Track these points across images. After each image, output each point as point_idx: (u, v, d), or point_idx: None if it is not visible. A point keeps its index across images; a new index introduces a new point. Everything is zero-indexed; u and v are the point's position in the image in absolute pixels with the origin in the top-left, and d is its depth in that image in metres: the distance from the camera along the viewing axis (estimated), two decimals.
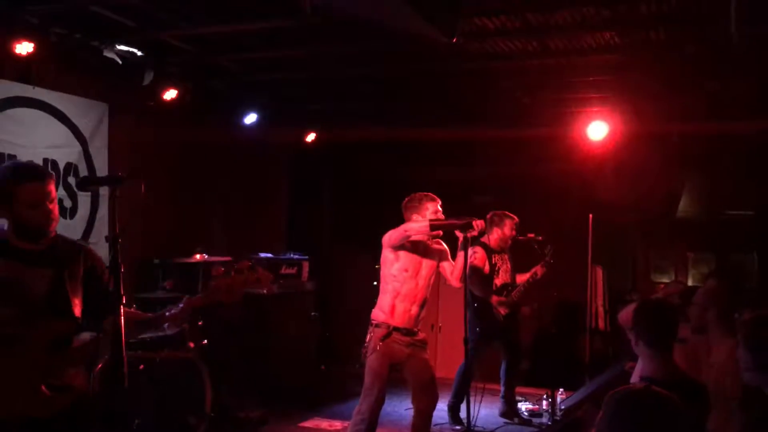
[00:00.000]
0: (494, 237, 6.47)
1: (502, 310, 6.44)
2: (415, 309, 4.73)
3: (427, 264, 4.78)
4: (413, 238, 4.65)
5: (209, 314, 5.97)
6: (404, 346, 4.69)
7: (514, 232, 6.49)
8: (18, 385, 2.62)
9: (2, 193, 2.72)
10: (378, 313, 4.74)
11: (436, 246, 4.87)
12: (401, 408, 6.71)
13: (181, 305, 2.95)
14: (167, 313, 2.98)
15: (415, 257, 4.74)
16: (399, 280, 4.72)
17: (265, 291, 6.99)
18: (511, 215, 6.51)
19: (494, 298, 6.44)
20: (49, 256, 2.78)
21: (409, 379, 4.78)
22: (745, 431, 3.04)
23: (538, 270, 6.52)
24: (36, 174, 2.77)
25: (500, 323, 6.44)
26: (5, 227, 2.81)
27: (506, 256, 6.61)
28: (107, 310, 2.73)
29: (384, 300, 4.75)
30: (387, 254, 4.77)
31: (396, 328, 4.67)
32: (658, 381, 2.75)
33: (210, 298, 2.91)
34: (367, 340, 4.72)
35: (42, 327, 2.68)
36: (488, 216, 6.43)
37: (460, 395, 6.22)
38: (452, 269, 4.79)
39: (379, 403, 4.66)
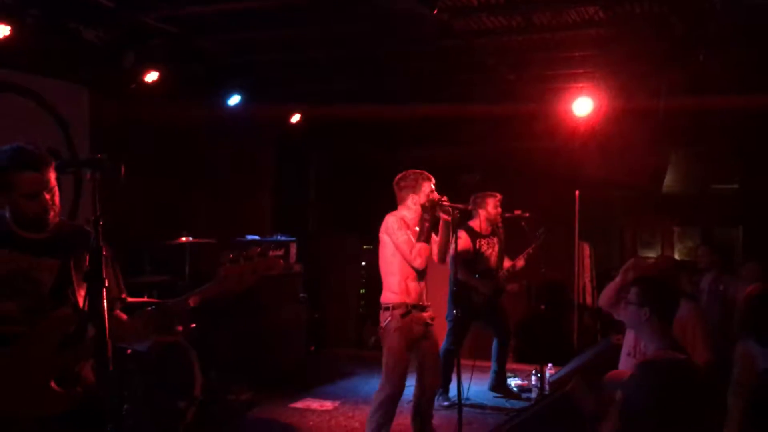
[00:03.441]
0: (482, 219, 6.46)
1: (510, 288, 6.49)
2: (422, 283, 4.77)
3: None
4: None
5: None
6: (421, 324, 4.71)
7: (499, 209, 6.49)
8: (27, 383, 2.58)
9: (0, 182, 2.65)
10: (390, 296, 4.71)
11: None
12: None
13: (189, 295, 2.83)
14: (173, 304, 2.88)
15: (415, 234, 4.73)
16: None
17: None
18: (492, 193, 6.50)
19: (476, 281, 6.42)
20: (55, 245, 2.73)
21: (419, 357, 4.78)
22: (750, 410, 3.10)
23: (518, 263, 6.56)
24: (33, 162, 2.67)
25: (480, 307, 6.42)
26: (7, 215, 2.74)
27: (495, 240, 6.56)
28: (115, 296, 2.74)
29: (392, 281, 4.71)
30: (386, 239, 4.74)
31: (414, 306, 4.68)
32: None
33: (221, 287, 2.81)
34: (384, 322, 4.68)
35: (50, 321, 2.65)
36: (471, 199, 6.42)
37: (446, 375, 6.25)
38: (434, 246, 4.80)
39: (403, 382, 4.67)
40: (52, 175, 2.70)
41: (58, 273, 2.69)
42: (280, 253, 7.28)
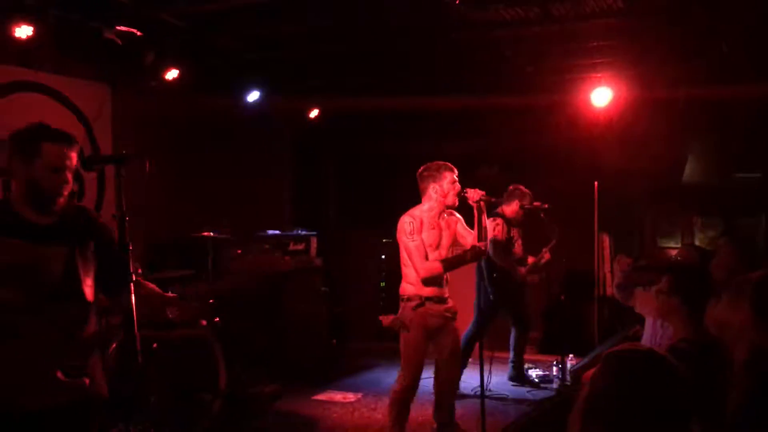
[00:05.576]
0: (512, 209, 6.52)
1: (530, 279, 6.63)
2: (444, 276, 4.79)
3: (446, 235, 4.83)
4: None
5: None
6: (438, 317, 4.72)
7: (522, 211, 6.56)
8: (32, 373, 2.56)
9: (27, 149, 2.64)
10: (407, 287, 4.75)
11: (450, 217, 4.89)
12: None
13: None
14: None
15: (434, 233, 4.75)
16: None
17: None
18: (528, 192, 6.58)
19: (521, 269, 6.57)
20: (62, 230, 2.67)
21: (438, 348, 4.81)
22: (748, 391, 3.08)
23: (545, 255, 6.63)
24: (63, 136, 2.70)
25: (513, 293, 6.51)
26: (11, 197, 2.71)
27: (521, 231, 6.72)
28: (121, 284, 2.66)
29: (410, 273, 4.74)
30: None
31: (428, 298, 4.68)
32: (697, 342, 2.95)
33: (235, 281, 2.89)
34: (399, 314, 4.73)
35: (54, 312, 2.59)
36: (510, 188, 6.56)
37: (464, 360, 6.29)
38: (470, 237, 4.83)
39: (419, 374, 4.71)
40: (75, 156, 2.70)
41: (66, 262, 2.63)
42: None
